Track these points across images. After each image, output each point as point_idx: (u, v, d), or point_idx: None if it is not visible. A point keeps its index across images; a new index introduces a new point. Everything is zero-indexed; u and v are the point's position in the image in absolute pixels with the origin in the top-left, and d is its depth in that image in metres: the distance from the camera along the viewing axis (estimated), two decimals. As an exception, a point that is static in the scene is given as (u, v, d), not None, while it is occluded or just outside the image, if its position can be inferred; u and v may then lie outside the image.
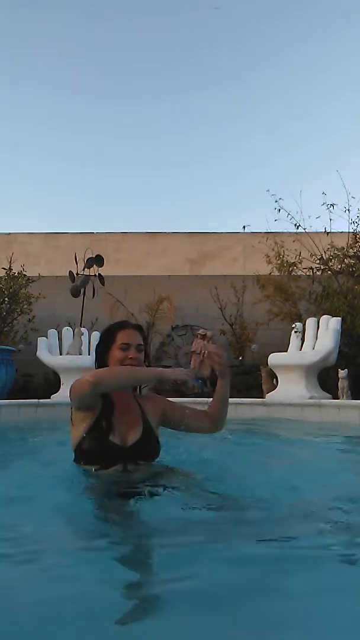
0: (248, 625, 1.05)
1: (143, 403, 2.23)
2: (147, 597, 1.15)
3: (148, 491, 1.84)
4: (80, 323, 7.28)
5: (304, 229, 7.60)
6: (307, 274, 7.49)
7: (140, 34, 12.85)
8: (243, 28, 12.58)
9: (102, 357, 2.19)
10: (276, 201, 7.58)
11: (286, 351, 6.69)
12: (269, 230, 7.87)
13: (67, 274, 7.39)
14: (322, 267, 7.48)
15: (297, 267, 7.54)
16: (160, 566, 1.33)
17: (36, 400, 5.68)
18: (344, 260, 7.49)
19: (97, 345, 2.24)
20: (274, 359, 6.47)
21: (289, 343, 6.80)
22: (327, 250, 7.53)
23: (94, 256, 7.42)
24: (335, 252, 7.51)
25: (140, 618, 1.06)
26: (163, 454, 2.21)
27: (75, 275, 7.43)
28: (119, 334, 2.17)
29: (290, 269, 7.49)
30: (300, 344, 6.72)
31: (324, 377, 6.48)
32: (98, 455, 2.05)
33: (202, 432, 2.32)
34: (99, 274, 7.43)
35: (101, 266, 7.44)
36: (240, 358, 7.84)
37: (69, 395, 2.06)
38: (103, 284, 7.39)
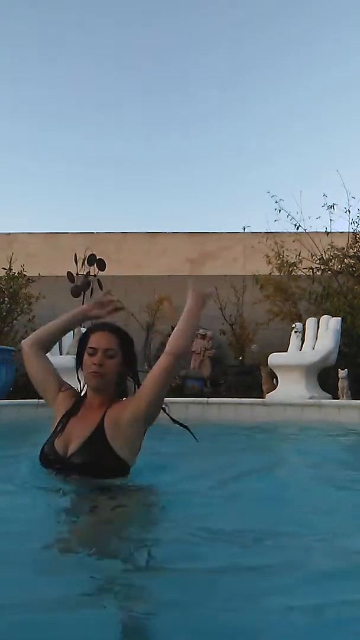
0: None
1: (111, 409, 2.04)
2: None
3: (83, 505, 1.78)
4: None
5: (304, 229, 7.60)
6: (307, 274, 7.49)
7: (141, 34, 12.86)
8: (243, 28, 12.58)
9: (78, 360, 2.09)
10: (276, 202, 7.59)
11: (286, 351, 6.68)
12: (269, 231, 7.87)
13: (67, 275, 7.38)
14: (322, 267, 7.48)
15: (297, 267, 7.54)
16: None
17: (36, 400, 5.66)
18: (344, 260, 7.49)
19: (77, 347, 2.13)
20: (274, 359, 6.47)
21: (289, 343, 6.80)
22: (327, 250, 7.53)
23: (95, 256, 7.42)
24: (335, 252, 7.51)
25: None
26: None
27: (75, 275, 7.43)
28: (90, 337, 2.07)
29: (290, 269, 7.49)
30: (300, 344, 6.72)
31: (324, 377, 6.48)
32: (43, 459, 2.01)
33: (168, 376, 2.03)
34: (98, 279, 7.43)
35: (103, 270, 7.44)
36: (240, 358, 7.84)
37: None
38: (101, 289, 7.38)
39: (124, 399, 2.13)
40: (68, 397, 2.12)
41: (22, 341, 2.18)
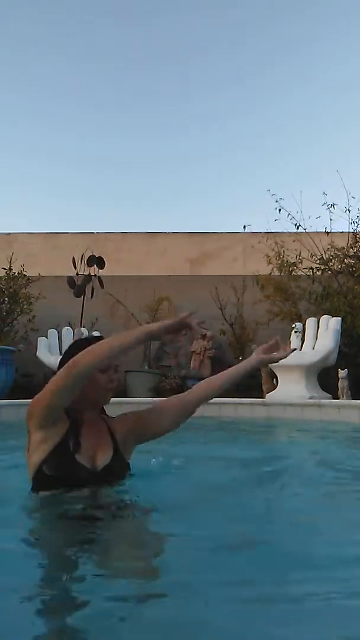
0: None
1: (111, 422, 2.00)
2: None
3: (112, 514, 1.74)
4: (81, 323, 7.28)
5: (304, 229, 7.60)
6: (307, 274, 7.49)
7: (141, 34, 12.86)
8: (243, 29, 12.60)
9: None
10: (276, 201, 7.59)
11: (286, 351, 6.68)
12: (269, 230, 7.87)
13: (66, 276, 7.38)
14: (322, 267, 7.48)
15: (297, 267, 7.54)
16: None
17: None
18: (344, 260, 7.49)
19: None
20: (274, 359, 6.46)
21: (289, 343, 6.79)
22: (327, 250, 7.53)
23: (95, 255, 7.41)
24: (336, 252, 7.51)
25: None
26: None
27: (75, 281, 7.42)
28: None
29: (291, 269, 7.49)
30: (300, 344, 6.72)
31: (324, 377, 6.48)
32: (64, 480, 1.82)
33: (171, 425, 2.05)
34: (99, 277, 7.42)
35: (102, 268, 7.42)
36: (240, 358, 7.84)
37: (29, 412, 1.81)
38: (102, 287, 7.37)
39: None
40: (64, 415, 1.91)
41: (80, 359, 1.73)
